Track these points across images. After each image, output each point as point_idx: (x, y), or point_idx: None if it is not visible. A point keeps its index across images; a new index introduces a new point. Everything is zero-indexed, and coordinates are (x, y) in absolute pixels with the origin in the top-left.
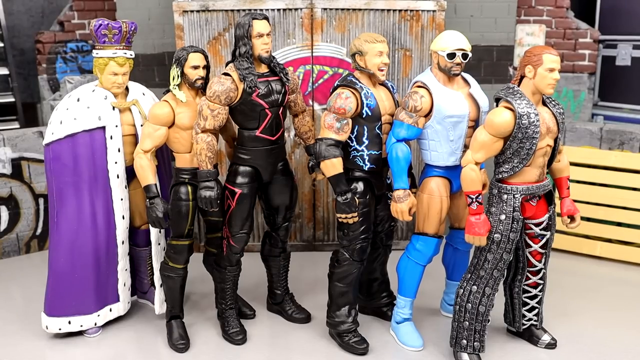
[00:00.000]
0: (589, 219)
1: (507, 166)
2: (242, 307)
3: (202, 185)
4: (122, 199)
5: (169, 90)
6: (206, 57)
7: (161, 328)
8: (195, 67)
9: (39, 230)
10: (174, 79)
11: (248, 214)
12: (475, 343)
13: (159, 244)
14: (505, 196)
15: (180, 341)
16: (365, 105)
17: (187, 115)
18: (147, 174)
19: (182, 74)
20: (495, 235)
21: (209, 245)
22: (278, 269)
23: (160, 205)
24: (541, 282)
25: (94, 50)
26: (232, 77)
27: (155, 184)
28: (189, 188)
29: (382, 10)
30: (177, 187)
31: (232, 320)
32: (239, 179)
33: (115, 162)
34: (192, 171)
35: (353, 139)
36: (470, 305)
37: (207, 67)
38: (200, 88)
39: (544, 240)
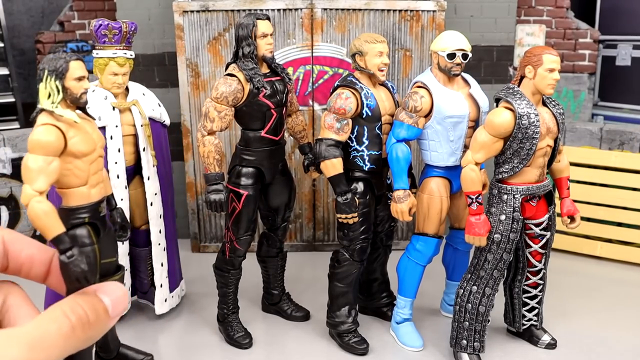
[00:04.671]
0: (589, 219)
1: (507, 166)
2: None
3: (210, 188)
4: (122, 199)
5: (39, 112)
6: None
7: (161, 328)
8: (80, 79)
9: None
10: (50, 95)
11: (253, 215)
12: (475, 343)
13: (159, 244)
14: (505, 196)
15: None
16: (365, 105)
17: (81, 139)
18: (53, 221)
19: (63, 89)
20: (495, 235)
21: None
22: (275, 269)
23: (82, 256)
24: (541, 282)
25: (94, 51)
26: (237, 78)
27: (66, 232)
28: (90, 229)
29: (382, 10)
30: (74, 232)
31: (237, 325)
32: (244, 181)
33: (116, 163)
34: (92, 207)
35: (353, 139)
36: (470, 305)
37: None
38: (85, 104)
39: (544, 241)
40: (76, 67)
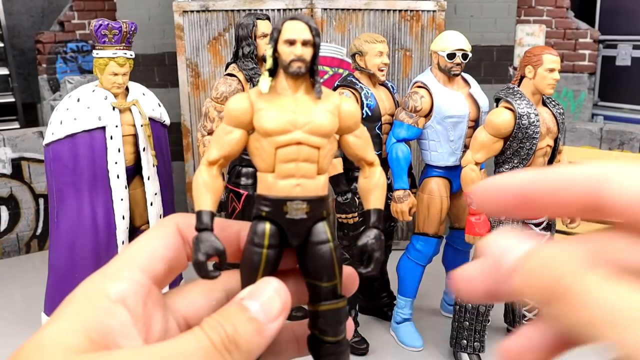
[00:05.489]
0: (588, 219)
1: (507, 166)
2: None
3: None
4: (122, 199)
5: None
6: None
7: None
8: (291, 43)
9: (39, 230)
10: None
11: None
12: (475, 343)
13: None
14: None
15: None
16: (365, 105)
17: (269, 115)
18: (201, 195)
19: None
20: None
21: None
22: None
23: (208, 243)
24: None
25: (94, 51)
26: (237, 78)
27: (212, 212)
28: (268, 229)
29: (382, 10)
30: (253, 224)
31: None
32: (244, 181)
33: (116, 162)
34: (275, 202)
35: None
36: (470, 305)
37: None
38: (294, 74)
39: (544, 241)
40: (289, 29)
